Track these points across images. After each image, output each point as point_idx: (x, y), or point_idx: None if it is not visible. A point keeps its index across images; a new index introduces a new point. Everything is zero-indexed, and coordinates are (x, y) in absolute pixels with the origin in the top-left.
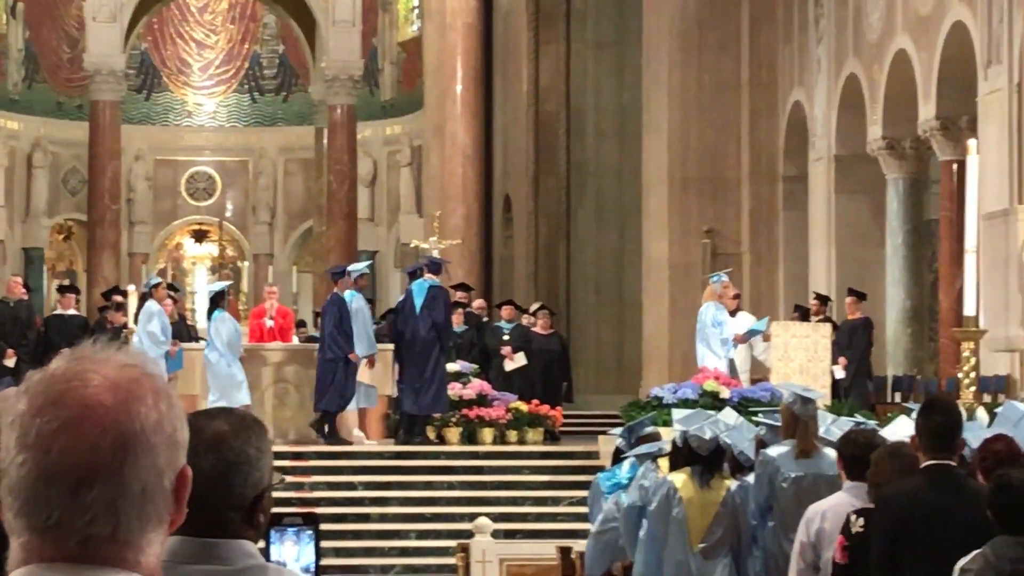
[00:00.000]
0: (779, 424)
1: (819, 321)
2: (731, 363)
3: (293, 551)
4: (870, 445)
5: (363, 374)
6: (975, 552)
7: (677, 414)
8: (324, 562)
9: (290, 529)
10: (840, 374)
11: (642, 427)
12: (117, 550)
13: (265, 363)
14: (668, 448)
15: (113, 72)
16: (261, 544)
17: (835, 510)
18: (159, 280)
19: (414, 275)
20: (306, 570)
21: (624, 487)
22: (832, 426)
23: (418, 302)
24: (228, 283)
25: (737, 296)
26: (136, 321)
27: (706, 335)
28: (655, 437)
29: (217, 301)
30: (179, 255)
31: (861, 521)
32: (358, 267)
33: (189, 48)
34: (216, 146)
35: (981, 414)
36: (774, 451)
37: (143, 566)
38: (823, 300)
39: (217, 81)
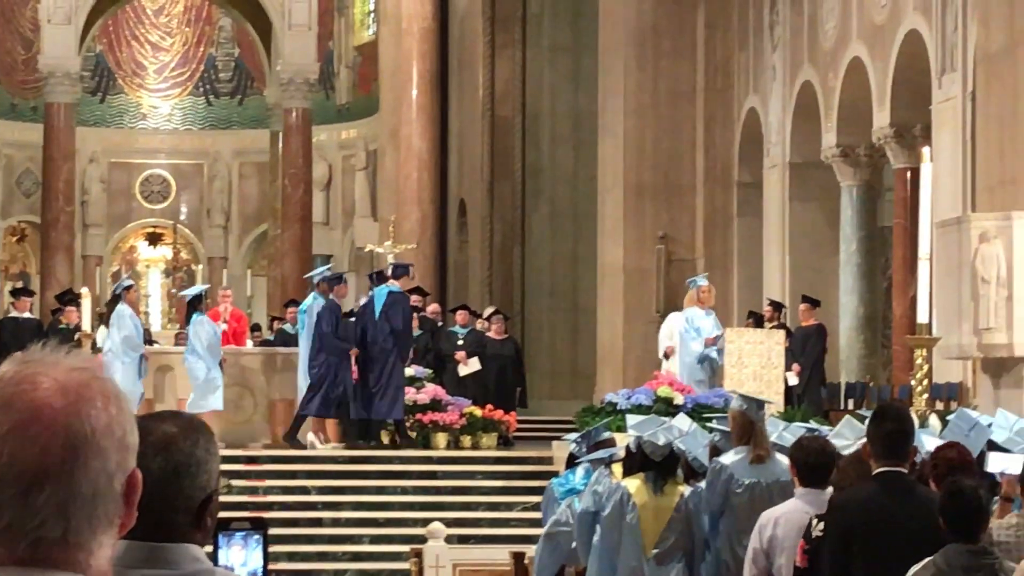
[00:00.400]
0: None
1: (773, 327)
2: (710, 363)
3: (240, 556)
4: (823, 452)
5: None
6: (926, 560)
7: (632, 420)
8: (277, 567)
9: (238, 534)
10: (793, 380)
11: (599, 433)
12: (67, 553)
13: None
14: (622, 454)
15: (68, 74)
16: (209, 548)
17: (788, 517)
18: (131, 283)
19: (377, 279)
20: (253, 575)
21: (578, 492)
22: (784, 432)
23: (377, 307)
24: (206, 286)
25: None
26: (105, 324)
27: (684, 340)
28: (610, 443)
29: (195, 305)
30: (133, 258)
31: (821, 526)
32: (321, 272)
33: (144, 50)
34: (171, 149)
35: (934, 421)
36: (728, 458)
37: (93, 569)
38: (777, 307)
39: (172, 84)
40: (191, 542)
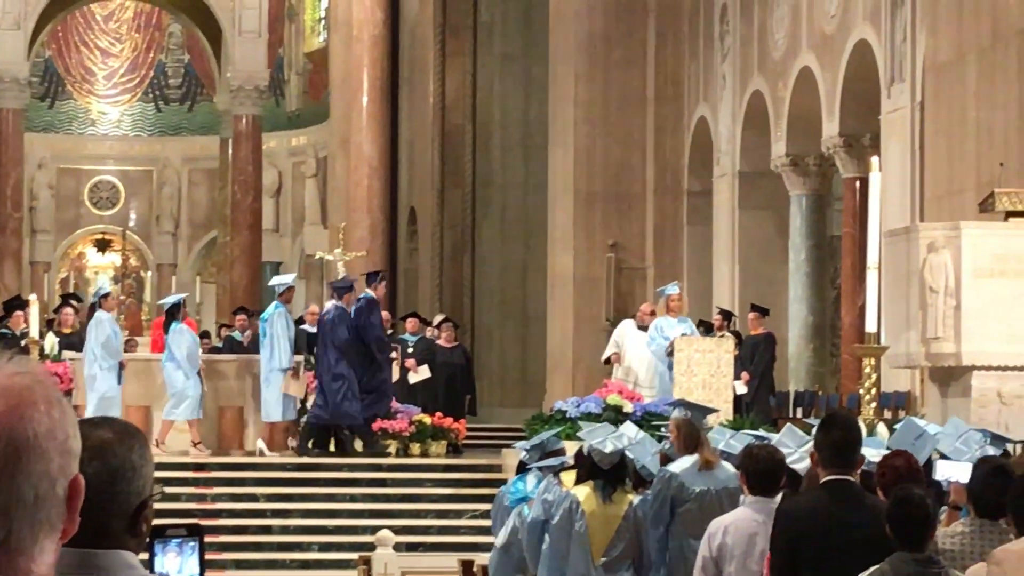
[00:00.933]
0: None
1: (722, 336)
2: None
3: (176, 562)
4: (772, 460)
5: (287, 386)
6: (873, 568)
7: (585, 427)
8: (225, 575)
9: (173, 540)
10: (742, 389)
11: (553, 444)
12: (9, 558)
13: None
14: (570, 461)
15: (16, 80)
16: (144, 556)
17: (737, 525)
18: (108, 290)
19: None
20: None
21: (528, 500)
22: (732, 440)
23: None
24: (184, 295)
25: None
26: (82, 331)
27: (655, 347)
28: (562, 452)
29: (174, 313)
30: (82, 264)
31: None
32: (284, 280)
33: (94, 56)
34: (120, 155)
35: (881, 430)
36: (677, 466)
37: (35, 574)
38: (726, 315)
39: (122, 90)
40: (126, 548)
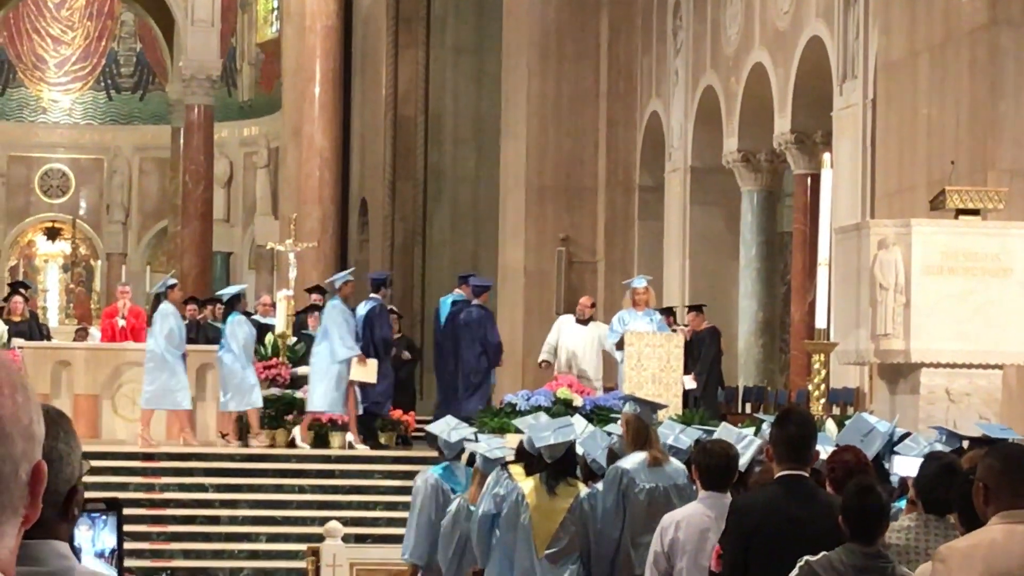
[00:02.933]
0: None
1: (673, 331)
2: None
3: (88, 535)
4: (726, 455)
5: (356, 374)
6: (821, 554)
7: (522, 422)
8: (173, 564)
9: (85, 514)
10: (691, 385)
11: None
12: None
13: (118, 363)
14: (510, 456)
15: None
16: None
17: (689, 520)
18: (175, 281)
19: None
20: (100, 555)
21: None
22: (681, 435)
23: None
24: (243, 287)
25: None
26: (149, 323)
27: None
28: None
29: (233, 304)
30: (31, 252)
31: None
32: (341, 275)
33: (45, 44)
34: (71, 143)
35: (830, 426)
36: (627, 462)
37: None
38: (667, 312)
39: (73, 78)
40: (58, 536)
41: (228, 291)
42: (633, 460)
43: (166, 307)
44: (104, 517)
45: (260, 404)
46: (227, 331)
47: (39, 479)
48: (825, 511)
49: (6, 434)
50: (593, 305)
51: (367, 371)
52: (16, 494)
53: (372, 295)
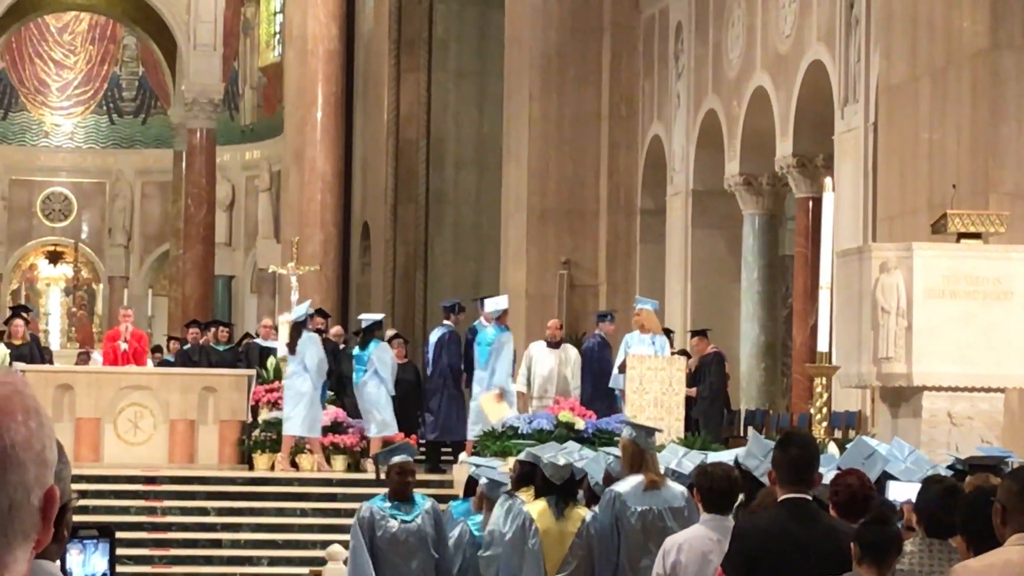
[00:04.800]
0: None
1: (674, 354)
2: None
3: (79, 559)
4: (727, 478)
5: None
6: None
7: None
8: None
9: (76, 540)
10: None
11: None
12: None
13: (120, 386)
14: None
15: None
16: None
17: (691, 543)
18: (312, 311)
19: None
20: None
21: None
22: (684, 459)
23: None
24: (381, 316)
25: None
26: (291, 351)
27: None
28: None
29: (373, 331)
30: (33, 276)
31: None
32: (500, 305)
33: (48, 68)
34: (73, 167)
35: (832, 449)
36: (621, 486)
37: None
38: (666, 333)
39: (75, 102)
40: (48, 555)
41: (369, 318)
42: (627, 483)
43: (312, 336)
44: (96, 542)
45: (396, 431)
46: (373, 358)
47: (51, 504)
48: (828, 534)
49: (19, 461)
50: (561, 327)
51: (500, 408)
52: (28, 520)
53: (444, 322)
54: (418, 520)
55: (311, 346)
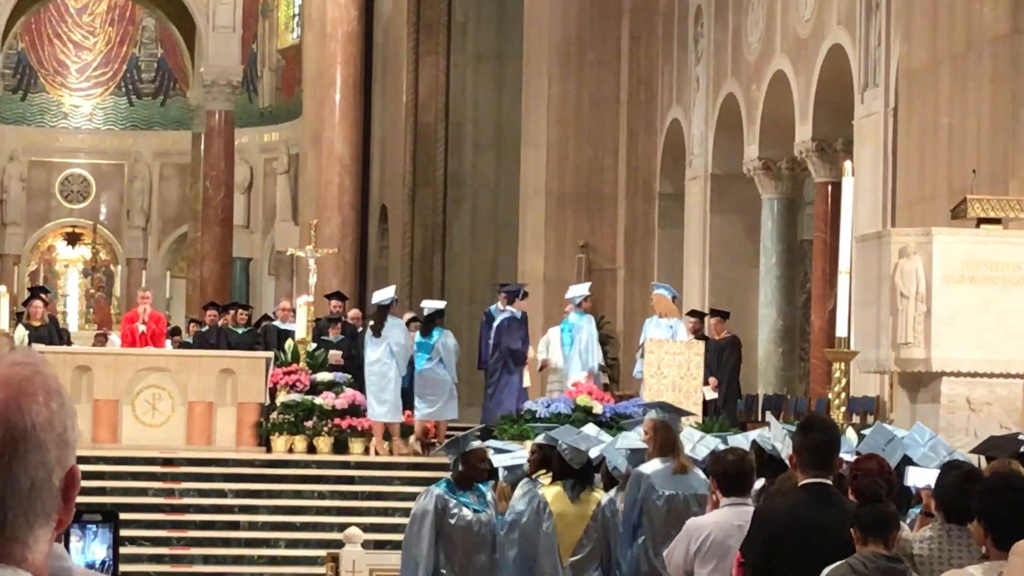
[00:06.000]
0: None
1: (695, 338)
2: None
3: (78, 546)
4: (741, 464)
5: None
6: (839, 563)
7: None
8: (193, 569)
9: (78, 525)
10: (711, 395)
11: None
12: (5, 546)
13: (138, 368)
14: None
15: None
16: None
17: (718, 526)
18: (396, 296)
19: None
20: (90, 566)
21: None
22: (699, 444)
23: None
24: (443, 304)
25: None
26: (376, 333)
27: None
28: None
29: (435, 319)
30: (51, 257)
31: None
32: (581, 291)
33: (67, 49)
34: (92, 148)
35: (851, 435)
36: (648, 468)
37: (30, 563)
38: (698, 315)
39: (94, 83)
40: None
41: (433, 305)
42: (654, 466)
43: (397, 320)
44: (96, 528)
45: (455, 416)
46: (438, 345)
47: (73, 485)
48: (849, 519)
49: (41, 442)
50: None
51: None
52: (50, 501)
53: (507, 307)
54: (488, 510)
55: (396, 330)
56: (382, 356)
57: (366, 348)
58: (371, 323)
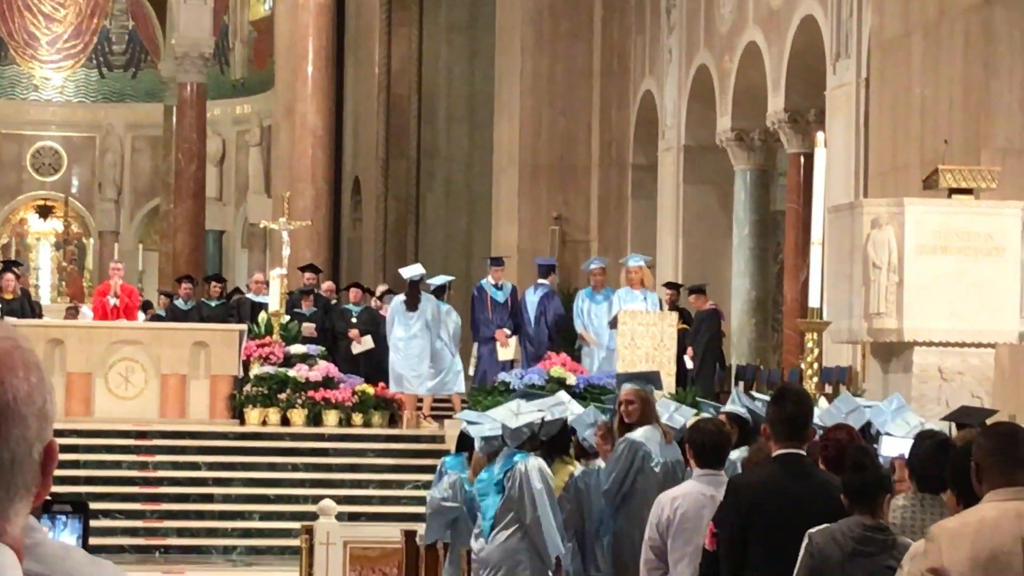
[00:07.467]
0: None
1: (669, 309)
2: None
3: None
4: (720, 433)
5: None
6: (823, 526)
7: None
8: (166, 542)
9: (47, 516)
10: (690, 364)
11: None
12: None
13: (111, 341)
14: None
15: None
16: None
17: (686, 497)
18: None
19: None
20: None
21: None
22: (675, 414)
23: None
24: (450, 278)
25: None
26: (411, 308)
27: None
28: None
29: (439, 295)
30: (23, 230)
31: None
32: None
33: (37, 21)
34: (63, 121)
35: (823, 404)
36: (641, 436)
37: (9, 536)
38: (674, 287)
39: (65, 55)
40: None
41: (436, 281)
42: (645, 434)
43: (428, 296)
44: (66, 519)
45: (462, 390)
46: (443, 319)
47: (51, 459)
48: (823, 490)
49: (21, 416)
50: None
51: (510, 351)
52: (29, 475)
53: (540, 280)
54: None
55: (429, 304)
56: (418, 331)
57: (396, 323)
58: (403, 298)
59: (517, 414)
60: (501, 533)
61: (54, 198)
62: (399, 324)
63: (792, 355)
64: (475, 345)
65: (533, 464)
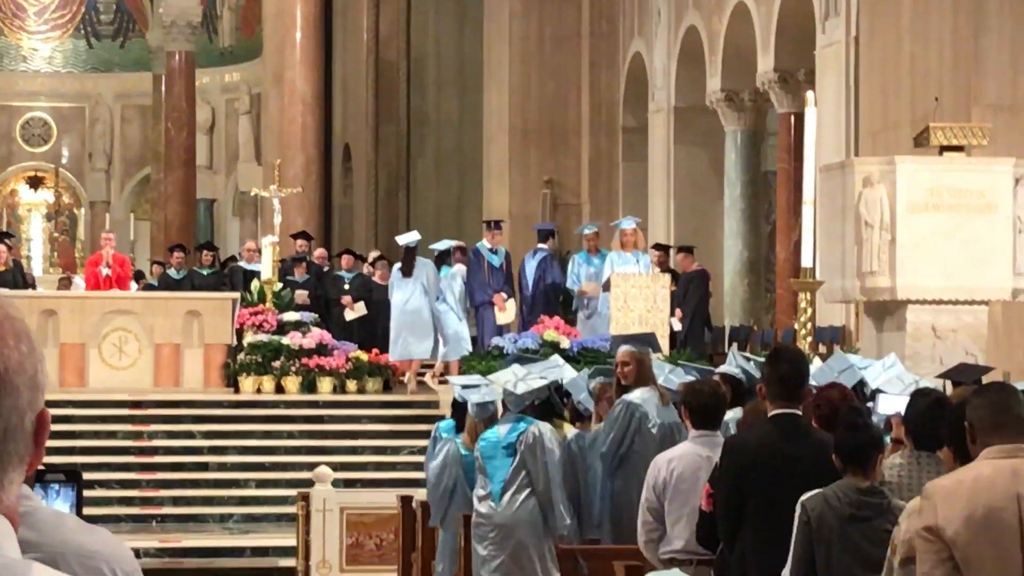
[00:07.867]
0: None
1: (660, 271)
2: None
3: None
4: (716, 395)
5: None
6: (816, 491)
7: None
8: (162, 511)
9: (40, 485)
10: (678, 326)
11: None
12: None
13: (104, 311)
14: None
15: None
16: None
17: (682, 459)
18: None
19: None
20: None
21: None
22: (670, 375)
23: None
24: (455, 242)
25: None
26: (406, 274)
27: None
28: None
29: (444, 258)
30: (14, 202)
31: None
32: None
33: None
34: (52, 92)
35: (817, 364)
36: (635, 397)
37: (3, 504)
38: (663, 249)
39: (53, 26)
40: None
41: (439, 245)
42: (642, 395)
43: (426, 261)
44: (59, 488)
45: (464, 354)
46: (443, 284)
47: (43, 428)
48: (819, 449)
49: (13, 385)
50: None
51: (506, 315)
52: (22, 443)
53: (540, 245)
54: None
55: (425, 269)
56: (413, 296)
57: (393, 289)
58: (399, 265)
59: (520, 380)
60: (514, 496)
61: (44, 169)
62: (397, 289)
63: (785, 315)
64: (473, 311)
65: (546, 428)
